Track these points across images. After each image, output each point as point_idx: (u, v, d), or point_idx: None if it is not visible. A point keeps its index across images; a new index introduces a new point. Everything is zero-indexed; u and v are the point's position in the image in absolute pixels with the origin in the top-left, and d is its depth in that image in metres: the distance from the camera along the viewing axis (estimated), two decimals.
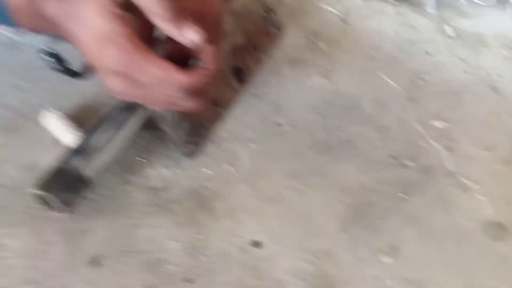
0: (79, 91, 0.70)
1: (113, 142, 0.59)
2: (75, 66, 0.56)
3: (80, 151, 0.57)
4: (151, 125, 0.64)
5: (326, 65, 0.80)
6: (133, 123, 0.61)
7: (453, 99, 0.76)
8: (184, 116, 0.64)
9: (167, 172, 0.64)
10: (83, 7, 0.43)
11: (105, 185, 0.61)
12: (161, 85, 0.45)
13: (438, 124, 0.74)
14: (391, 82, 0.79)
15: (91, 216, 0.58)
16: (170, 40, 0.47)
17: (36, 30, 0.50)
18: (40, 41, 0.70)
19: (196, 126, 0.67)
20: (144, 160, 0.64)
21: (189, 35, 0.45)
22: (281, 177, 0.65)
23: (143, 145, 0.66)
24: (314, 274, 0.57)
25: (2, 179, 0.59)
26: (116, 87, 0.46)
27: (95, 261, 0.55)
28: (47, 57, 0.55)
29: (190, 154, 0.66)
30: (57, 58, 0.55)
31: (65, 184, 0.55)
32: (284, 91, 0.76)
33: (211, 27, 0.52)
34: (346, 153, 0.69)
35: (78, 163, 0.56)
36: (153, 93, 0.46)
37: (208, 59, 0.49)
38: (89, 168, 0.56)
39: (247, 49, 0.76)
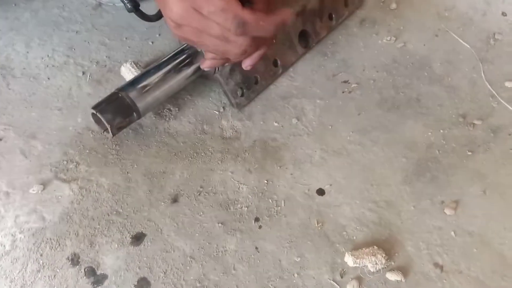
0: (157, 48, 0.76)
1: (166, 82, 0.64)
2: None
3: (134, 83, 0.63)
4: (205, 74, 0.67)
5: (397, 24, 0.80)
6: (187, 68, 0.65)
7: None
8: (237, 67, 0.65)
9: (239, 124, 0.68)
10: None
11: (183, 134, 0.67)
12: (219, 15, 0.47)
13: (510, 85, 0.72)
14: (463, 43, 0.77)
15: (171, 160, 0.65)
16: None
17: None
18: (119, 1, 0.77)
19: (248, 79, 0.69)
20: (218, 113, 0.69)
21: None
22: (347, 132, 0.68)
23: (218, 99, 0.71)
24: (377, 222, 0.59)
25: (91, 125, 0.66)
26: (177, 12, 0.48)
27: (174, 199, 0.62)
28: (126, 0, 0.60)
29: (239, 105, 0.70)
30: (133, 1, 0.61)
31: (116, 109, 0.61)
32: (353, 49, 0.77)
33: None
34: (413, 111, 0.70)
35: (131, 93, 0.61)
36: (208, 22, 0.48)
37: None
38: (139, 98, 0.62)
39: (320, 16, 0.76)
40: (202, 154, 0.65)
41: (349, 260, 0.55)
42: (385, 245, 0.57)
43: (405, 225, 0.59)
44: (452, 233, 0.59)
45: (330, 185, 0.63)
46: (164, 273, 0.55)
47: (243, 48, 0.51)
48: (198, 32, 0.50)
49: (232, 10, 0.46)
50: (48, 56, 0.74)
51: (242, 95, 0.69)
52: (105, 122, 0.60)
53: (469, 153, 0.65)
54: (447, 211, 0.60)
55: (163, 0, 0.50)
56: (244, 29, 0.48)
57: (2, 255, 0.56)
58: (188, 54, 0.65)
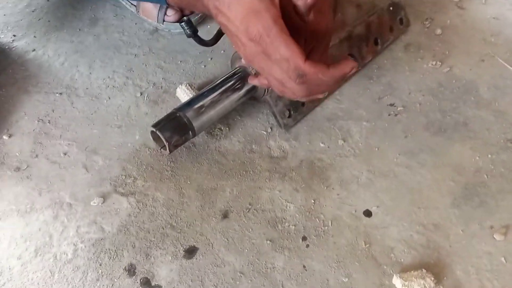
0: (209, 71, 0.80)
1: (219, 103, 0.67)
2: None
3: (191, 104, 0.66)
4: (254, 95, 0.71)
5: (442, 49, 0.81)
6: (239, 90, 0.68)
7: None
8: None
9: (286, 144, 0.71)
10: None
11: (233, 152, 0.70)
12: (282, 63, 0.50)
13: None
14: (511, 68, 0.77)
15: (222, 178, 0.67)
16: None
17: (184, 6, 0.57)
18: (176, 26, 0.82)
19: (296, 101, 0.72)
20: (266, 133, 0.72)
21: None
22: (393, 154, 0.69)
23: (266, 120, 0.73)
24: (425, 245, 0.60)
25: (148, 142, 0.71)
26: (248, 51, 0.52)
27: (225, 215, 0.64)
28: (186, 27, 0.64)
29: (286, 126, 0.72)
30: (192, 27, 0.64)
31: (174, 127, 0.64)
32: (398, 73, 0.79)
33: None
34: (460, 135, 0.70)
35: (188, 113, 0.65)
36: (273, 66, 0.52)
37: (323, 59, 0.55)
38: (195, 118, 0.65)
39: (366, 41, 0.78)
40: (251, 172, 0.68)
41: (397, 282, 0.56)
42: (434, 268, 0.57)
43: (454, 249, 0.59)
44: (503, 259, 0.58)
45: (377, 206, 0.64)
46: (215, 287, 0.57)
47: (296, 96, 0.55)
48: (264, 70, 0.54)
49: (294, 61, 0.49)
50: (109, 77, 0.79)
51: (289, 116, 0.72)
52: (163, 140, 0.63)
53: None
54: (497, 237, 0.60)
55: (237, 40, 0.52)
56: (303, 80, 0.51)
57: (65, 263, 0.59)
58: (239, 77, 0.68)
